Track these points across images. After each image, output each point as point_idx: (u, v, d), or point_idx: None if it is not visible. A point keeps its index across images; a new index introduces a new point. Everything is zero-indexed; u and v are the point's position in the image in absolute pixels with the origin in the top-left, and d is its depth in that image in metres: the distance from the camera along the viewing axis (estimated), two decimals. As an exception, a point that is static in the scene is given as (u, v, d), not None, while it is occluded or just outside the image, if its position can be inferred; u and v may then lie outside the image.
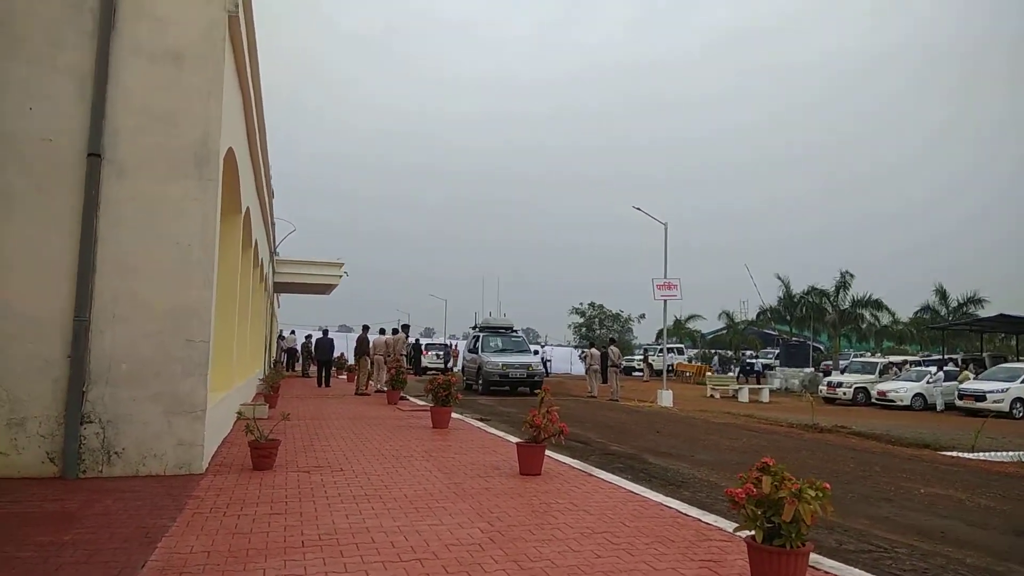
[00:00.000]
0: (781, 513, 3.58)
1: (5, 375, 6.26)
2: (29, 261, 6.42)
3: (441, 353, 38.25)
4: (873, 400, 25.27)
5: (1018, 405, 21.75)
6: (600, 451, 10.53)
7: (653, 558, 4.46)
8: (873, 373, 27.52)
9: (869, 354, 39.31)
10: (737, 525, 4.00)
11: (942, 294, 43.37)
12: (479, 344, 25.19)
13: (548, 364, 39.12)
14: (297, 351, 33.06)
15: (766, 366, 37.75)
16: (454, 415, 12.14)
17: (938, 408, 23.84)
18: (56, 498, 5.53)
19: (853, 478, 8.99)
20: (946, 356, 34.96)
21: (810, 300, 43.22)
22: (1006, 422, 19.66)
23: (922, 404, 24.15)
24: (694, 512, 5.81)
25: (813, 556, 4.16)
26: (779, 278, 45.48)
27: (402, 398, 16.54)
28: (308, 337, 31.18)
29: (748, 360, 43.67)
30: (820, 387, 28.46)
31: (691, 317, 55.25)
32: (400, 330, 21.46)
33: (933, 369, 26.44)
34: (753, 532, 3.73)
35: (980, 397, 22.15)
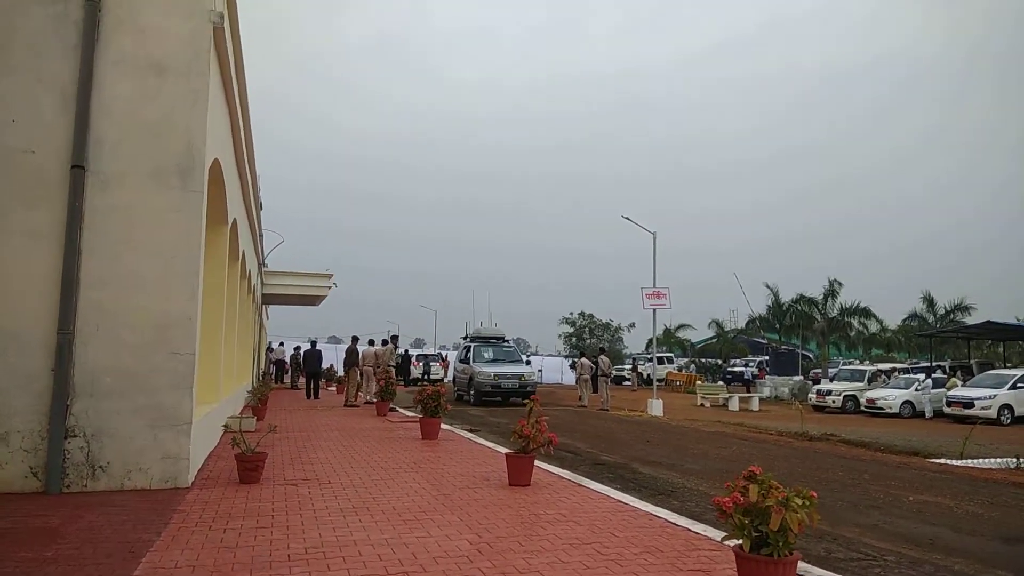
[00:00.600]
0: (768, 522, 3.57)
1: (-13, 389, 6.18)
2: (12, 274, 6.36)
3: (423, 363, 37.92)
4: (862, 408, 25.35)
5: (1006, 412, 21.87)
6: (590, 461, 10.50)
7: (642, 568, 4.44)
8: (862, 381, 27.61)
9: (858, 362, 39.52)
10: (725, 534, 3.99)
11: (930, 302, 43.69)
12: (470, 354, 24.81)
13: (540, 373, 39.04)
14: (286, 363, 32.88)
15: (747, 374, 37.94)
16: (443, 426, 12.09)
17: (927, 415, 23.94)
18: (39, 513, 5.46)
19: (842, 486, 9.00)
20: (934, 363, 35.18)
21: (799, 308, 43.44)
22: (994, 429, 19.75)
23: (911, 411, 24.25)
24: (683, 522, 5.80)
25: (801, 564, 4.16)
26: (768, 286, 45.77)
27: (391, 409, 16.47)
28: (297, 349, 31.03)
29: (729, 369, 43.86)
30: (809, 395, 28.55)
31: (681, 326, 55.41)
32: (389, 341, 21.39)
33: (921, 376, 26.58)
34: (741, 541, 3.72)
35: (968, 404, 22.25)
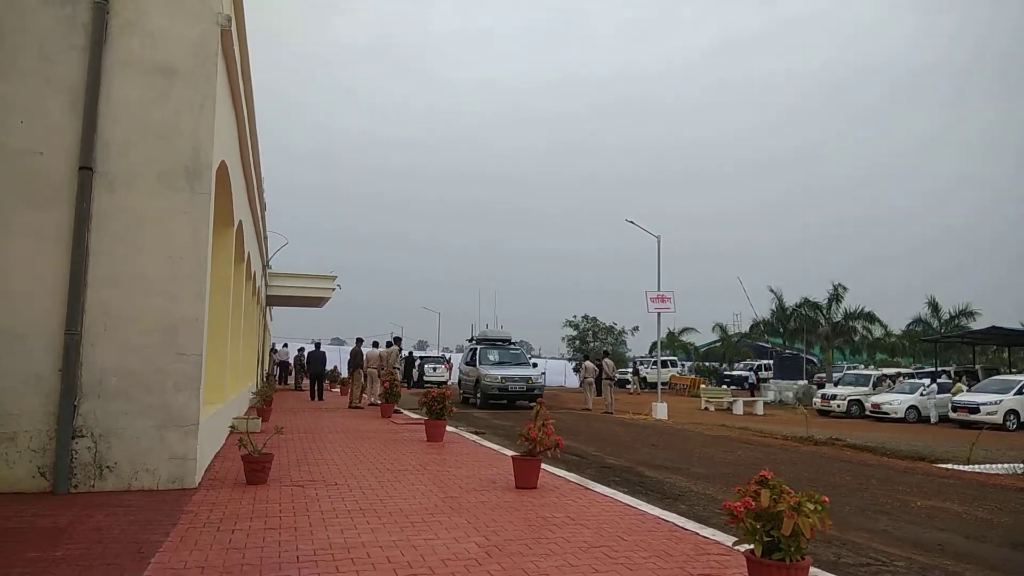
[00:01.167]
0: (780, 527, 3.55)
1: (-5, 390, 6.19)
2: (20, 275, 6.37)
3: (437, 367, 37.89)
4: (867, 412, 25.29)
5: (1012, 417, 21.80)
6: (596, 464, 10.48)
7: (652, 573, 4.42)
8: (867, 385, 27.55)
9: (862, 366, 39.40)
10: (736, 539, 3.97)
11: (934, 306, 43.57)
12: (476, 357, 24.51)
13: (543, 377, 39.02)
14: (290, 364, 32.90)
15: (743, 379, 37.85)
16: (448, 428, 12.08)
17: (932, 420, 23.87)
18: (47, 513, 5.46)
19: (849, 491, 8.97)
20: (939, 368, 35.06)
21: (803, 313, 43.33)
22: (1000, 434, 19.69)
23: (916, 416, 24.18)
24: (692, 526, 5.77)
25: (812, 570, 4.13)
26: (772, 290, 45.65)
27: (396, 411, 16.47)
28: (301, 350, 31.06)
29: (727, 373, 43.77)
30: (814, 399, 28.48)
31: (685, 330, 55.28)
32: (393, 343, 21.37)
33: (927, 381, 26.52)
34: (752, 546, 3.70)
35: (974, 409, 22.18)
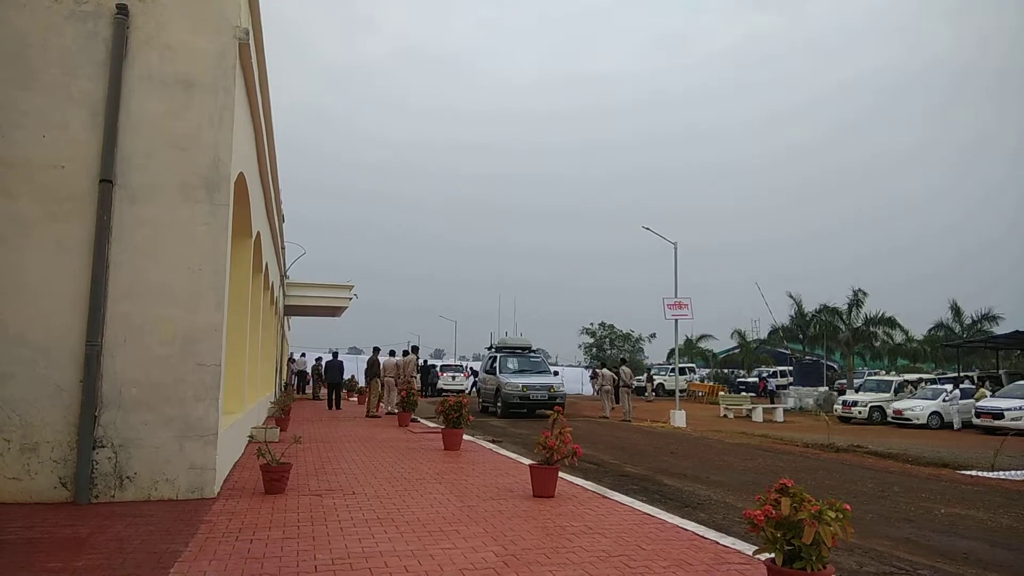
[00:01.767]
0: (801, 535, 3.51)
1: (18, 401, 6.27)
2: (42, 287, 6.46)
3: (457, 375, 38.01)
4: (889, 419, 24.97)
5: (1037, 422, 21.42)
6: (614, 472, 10.43)
7: (670, 582, 4.38)
8: (888, 391, 27.20)
9: (883, 372, 38.94)
10: (756, 548, 3.93)
11: (956, 311, 42.99)
12: (496, 364, 24.11)
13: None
14: (307, 373, 33.05)
15: (771, 384, 37.53)
16: (465, 437, 12.07)
17: (955, 426, 23.52)
18: (68, 523, 5.51)
19: (871, 498, 8.86)
20: (962, 374, 34.57)
21: (823, 318, 42.94)
22: (1025, 440, 19.35)
23: (939, 423, 23.84)
24: (711, 534, 5.72)
25: (834, 579, 4.08)
26: (791, 296, 45.33)
27: (413, 420, 16.48)
28: (318, 360, 31.19)
29: (740, 380, 43.43)
30: (835, 406, 28.17)
31: (703, 337, 54.99)
32: (410, 352, 21.41)
33: (949, 387, 26.13)
34: (773, 555, 3.66)
35: (998, 415, 21.83)
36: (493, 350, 26.70)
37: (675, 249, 24.56)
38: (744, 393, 35.15)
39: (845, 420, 26.09)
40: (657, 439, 16.63)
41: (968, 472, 12.16)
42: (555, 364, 56.01)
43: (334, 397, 22.42)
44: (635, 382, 31.29)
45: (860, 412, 26.06)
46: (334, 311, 29.85)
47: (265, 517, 5.97)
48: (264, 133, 10.50)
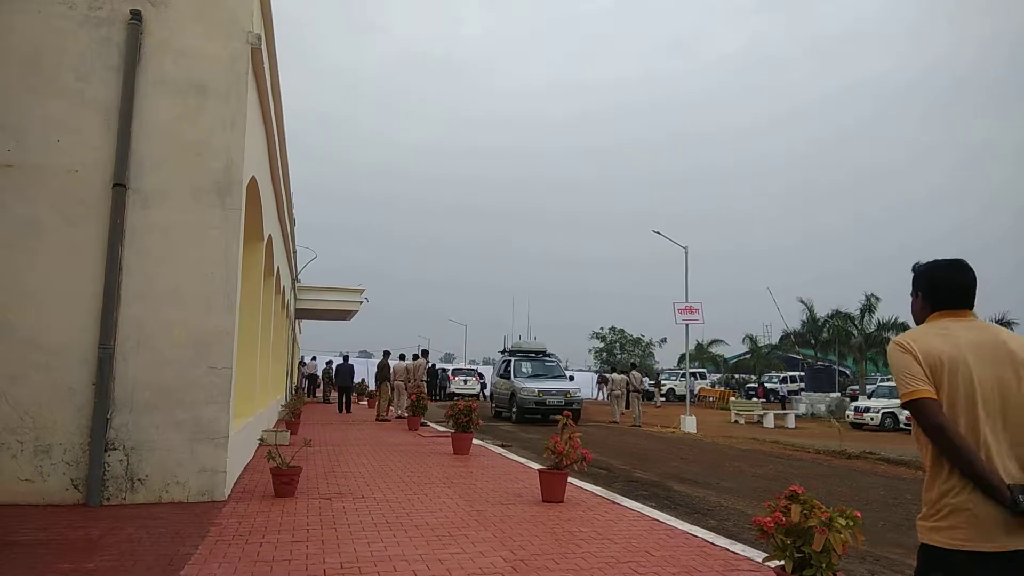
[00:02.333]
0: (811, 543, 3.49)
1: (31, 403, 6.32)
2: (55, 290, 6.51)
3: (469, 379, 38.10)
4: (902, 425, 24.76)
5: (1052, 430, 21.19)
6: (623, 478, 10.40)
7: (680, 588, 4.36)
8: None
9: (896, 378, 38.52)
10: (766, 555, 3.91)
11: (970, 316, 42.59)
12: (511, 369, 23.40)
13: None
14: (318, 377, 33.15)
15: (770, 390, 37.32)
16: (475, 441, 12.07)
17: (969, 433, 23.30)
18: (80, 525, 5.55)
19: (883, 505, 8.79)
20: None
21: (835, 324, 42.70)
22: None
23: (952, 429, 23.61)
24: (721, 541, 5.69)
25: (845, 587, 4.05)
26: (802, 302, 45.12)
27: (423, 424, 16.49)
28: (329, 363, 31.29)
29: (750, 385, 43.20)
30: (847, 412, 27.99)
31: (713, 342, 54.74)
32: (420, 356, 21.44)
33: (963, 393, 25.89)
34: (783, 562, 3.64)
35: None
36: (507, 354, 25.97)
37: (686, 253, 24.52)
38: (754, 399, 34.97)
39: (857, 426, 25.90)
40: (667, 444, 16.57)
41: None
42: (566, 369, 55.96)
43: (344, 401, 22.47)
44: (646, 386, 31.22)
45: (872, 418, 25.86)
46: (345, 315, 29.96)
47: (275, 520, 5.98)
48: (276, 137, 10.56)
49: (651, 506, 7.40)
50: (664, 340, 59.83)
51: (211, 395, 6.77)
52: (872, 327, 41.09)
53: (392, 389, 19.55)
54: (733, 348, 55.25)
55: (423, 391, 17.68)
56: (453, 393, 34.61)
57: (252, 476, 8.25)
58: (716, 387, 45.99)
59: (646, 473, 11.12)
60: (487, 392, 29.19)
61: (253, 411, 10.26)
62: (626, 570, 4.74)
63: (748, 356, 52.77)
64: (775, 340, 51.84)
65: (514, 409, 21.97)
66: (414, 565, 4.71)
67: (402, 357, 21.11)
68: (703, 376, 49.21)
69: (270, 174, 10.99)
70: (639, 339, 60.15)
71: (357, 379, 26.58)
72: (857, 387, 38.73)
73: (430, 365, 32.90)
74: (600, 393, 39.26)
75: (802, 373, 45.13)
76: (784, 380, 41.64)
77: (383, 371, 19.81)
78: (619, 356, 55.68)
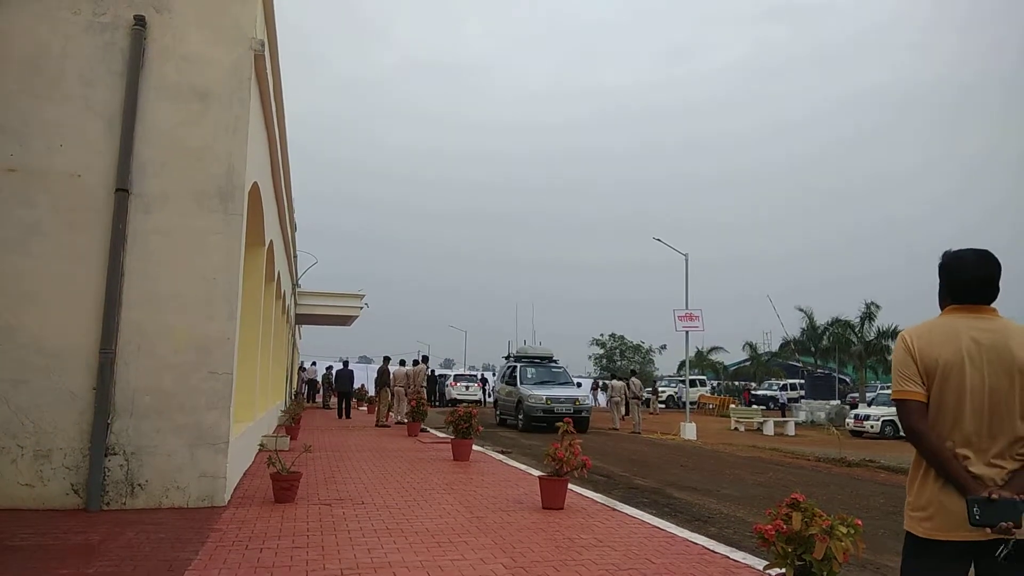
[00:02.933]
0: (812, 551, 3.49)
1: (32, 407, 6.32)
2: (57, 295, 6.52)
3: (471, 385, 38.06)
4: (901, 433, 24.59)
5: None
6: (624, 485, 10.38)
7: (680, 596, 4.36)
8: (901, 406, 26.93)
9: (896, 386, 38.49)
10: (767, 563, 3.90)
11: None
12: (516, 375, 22.45)
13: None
14: (318, 382, 33.13)
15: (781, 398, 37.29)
16: (475, 447, 12.06)
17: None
18: (80, 530, 5.54)
19: (883, 513, 8.78)
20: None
21: (835, 331, 42.71)
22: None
23: (952, 438, 23.58)
24: (722, 549, 5.69)
25: (846, 595, 4.05)
26: (801, 310, 45.16)
27: (422, 430, 16.48)
28: (329, 368, 31.27)
29: (753, 392, 43.21)
30: (847, 420, 27.96)
31: (713, 349, 54.79)
32: (420, 362, 21.43)
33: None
34: (783, 570, 3.63)
35: None
36: (512, 359, 25.05)
37: (686, 260, 24.53)
38: (754, 406, 34.93)
39: (857, 434, 25.88)
40: (667, 451, 16.55)
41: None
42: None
43: (344, 406, 22.46)
44: (645, 394, 31.20)
45: (872, 426, 25.84)
46: (345, 320, 29.94)
47: (275, 526, 5.98)
48: (278, 143, 10.58)
49: (651, 513, 7.39)
50: (664, 347, 59.86)
51: (212, 400, 6.76)
52: (872, 335, 41.11)
53: (392, 395, 19.54)
54: (733, 355, 55.31)
55: (423, 397, 17.67)
56: (455, 399, 34.47)
57: (252, 481, 8.24)
58: (716, 394, 45.94)
59: (646, 480, 11.11)
60: (493, 398, 28.76)
61: (253, 416, 10.25)
62: (626, 577, 4.73)
63: (748, 363, 52.79)
64: (775, 348, 51.89)
65: (520, 417, 21.10)
66: (414, 571, 4.71)
67: (402, 363, 21.10)
68: (703, 383, 49.16)
69: (272, 179, 11.01)
70: (639, 346, 60.15)
71: (357, 385, 26.56)
72: (857, 395, 38.72)
73: (430, 372, 32.92)
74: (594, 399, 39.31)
75: (802, 381, 45.12)
76: (784, 388, 41.64)
77: (383, 377, 19.81)
78: (619, 363, 55.65)
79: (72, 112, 6.73)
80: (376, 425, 18.69)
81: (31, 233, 6.52)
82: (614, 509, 7.32)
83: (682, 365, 39.25)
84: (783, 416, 30.31)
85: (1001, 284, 2.50)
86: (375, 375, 20.78)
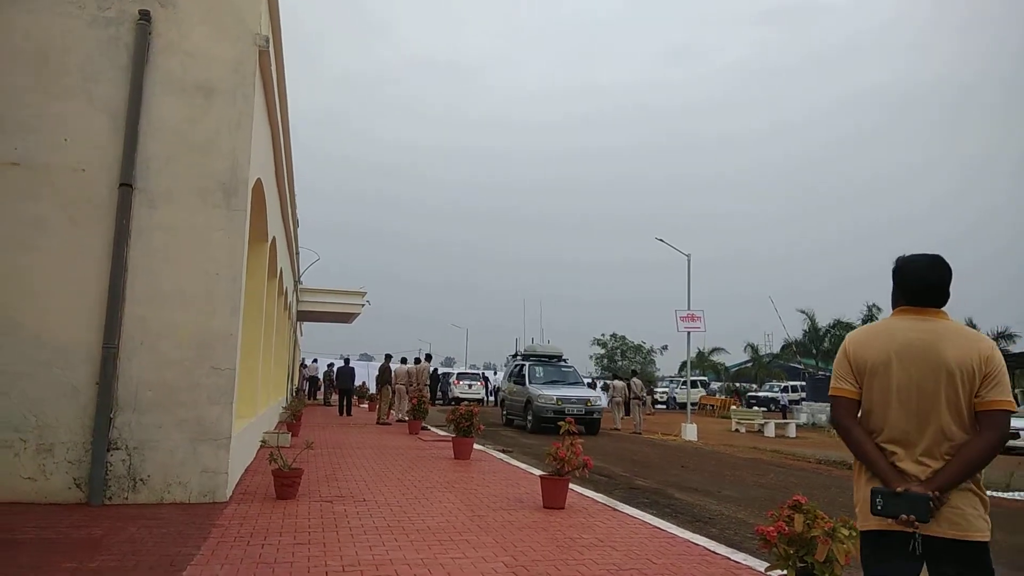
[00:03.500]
0: (814, 552, 3.49)
1: (35, 401, 6.33)
2: (60, 289, 6.52)
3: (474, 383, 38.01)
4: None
5: (1054, 443, 21.13)
6: (625, 485, 10.38)
7: (681, 596, 4.36)
8: (902, 408, 26.88)
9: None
10: (768, 564, 3.90)
11: (971, 328, 42.57)
12: (525, 374, 21.64)
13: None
14: (319, 379, 33.16)
15: (771, 400, 37.24)
16: (476, 446, 12.06)
17: (970, 445, 23.22)
18: (82, 525, 5.55)
19: (884, 516, 8.76)
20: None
21: (836, 333, 42.68)
22: (1042, 460, 19.10)
23: (953, 441, 23.53)
24: (723, 550, 5.68)
25: (847, 597, 4.04)
26: (803, 312, 45.15)
27: (423, 428, 16.49)
28: (330, 365, 31.32)
29: (751, 395, 43.18)
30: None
31: (715, 350, 54.70)
32: (424, 360, 21.44)
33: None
34: (785, 572, 3.63)
35: (1014, 435, 21.57)
36: (519, 358, 24.14)
37: (688, 261, 24.52)
38: (756, 408, 34.90)
39: (858, 437, 25.83)
40: (668, 452, 16.55)
41: (983, 492, 11.99)
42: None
43: (345, 403, 22.48)
44: (646, 394, 31.14)
45: (873, 429, 25.79)
46: (346, 317, 29.96)
47: (276, 522, 5.98)
48: (281, 139, 10.58)
49: (652, 514, 7.38)
50: (665, 347, 59.89)
51: (214, 396, 6.77)
52: (874, 337, 41.02)
53: (393, 393, 19.56)
54: (735, 356, 55.22)
55: (425, 395, 17.67)
56: (457, 397, 34.40)
57: (253, 478, 8.25)
58: (718, 395, 45.89)
59: (647, 480, 11.10)
60: (498, 397, 28.36)
61: (255, 412, 10.26)
62: (627, 577, 4.73)
63: (749, 365, 52.72)
64: (776, 349, 51.81)
65: (529, 417, 20.22)
66: (415, 569, 4.71)
67: (403, 361, 21.12)
68: (704, 384, 49.11)
69: (275, 175, 11.01)
70: (640, 346, 60.17)
71: (358, 382, 26.59)
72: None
73: (432, 370, 32.93)
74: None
75: (803, 383, 45.06)
76: (785, 390, 41.59)
77: (384, 374, 19.83)
78: (620, 363, 55.66)
79: (76, 107, 6.73)
80: (377, 423, 18.71)
81: (35, 228, 6.53)
82: (615, 509, 7.32)
83: (683, 365, 39.24)
84: (784, 418, 30.27)
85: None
86: (376, 373, 20.79)
